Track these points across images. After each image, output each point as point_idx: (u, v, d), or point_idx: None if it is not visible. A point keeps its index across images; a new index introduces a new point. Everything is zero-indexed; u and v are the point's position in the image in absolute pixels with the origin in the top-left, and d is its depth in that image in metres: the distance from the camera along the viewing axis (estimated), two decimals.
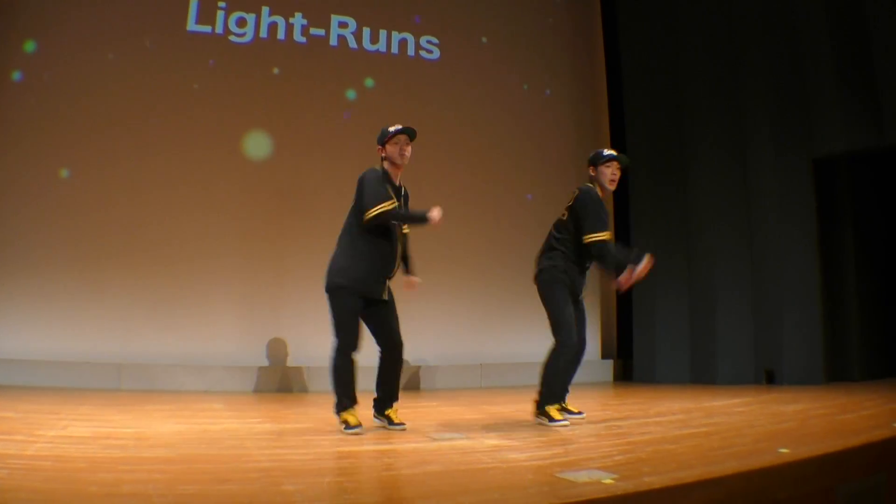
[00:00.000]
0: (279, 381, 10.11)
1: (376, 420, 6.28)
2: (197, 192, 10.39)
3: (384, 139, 6.41)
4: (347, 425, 5.80)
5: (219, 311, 10.22)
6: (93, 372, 9.45)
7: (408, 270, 6.71)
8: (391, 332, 6.24)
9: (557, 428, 6.11)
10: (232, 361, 10.04)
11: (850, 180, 11.33)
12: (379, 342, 6.31)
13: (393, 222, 6.18)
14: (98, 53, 10.27)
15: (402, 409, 6.45)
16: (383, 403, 6.30)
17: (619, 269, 6.67)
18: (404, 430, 6.01)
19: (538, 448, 4.89)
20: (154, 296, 9.98)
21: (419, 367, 10.90)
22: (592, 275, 7.24)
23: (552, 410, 6.38)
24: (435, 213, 6.07)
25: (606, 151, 6.88)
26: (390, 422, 6.17)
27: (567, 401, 6.80)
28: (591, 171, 6.94)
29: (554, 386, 6.53)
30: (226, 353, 10.11)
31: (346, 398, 6.00)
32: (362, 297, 6.04)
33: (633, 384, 11.66)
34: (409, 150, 6.44)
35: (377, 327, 6.25)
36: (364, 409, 6.08)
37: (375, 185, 6.16)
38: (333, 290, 6.04)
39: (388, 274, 6.28)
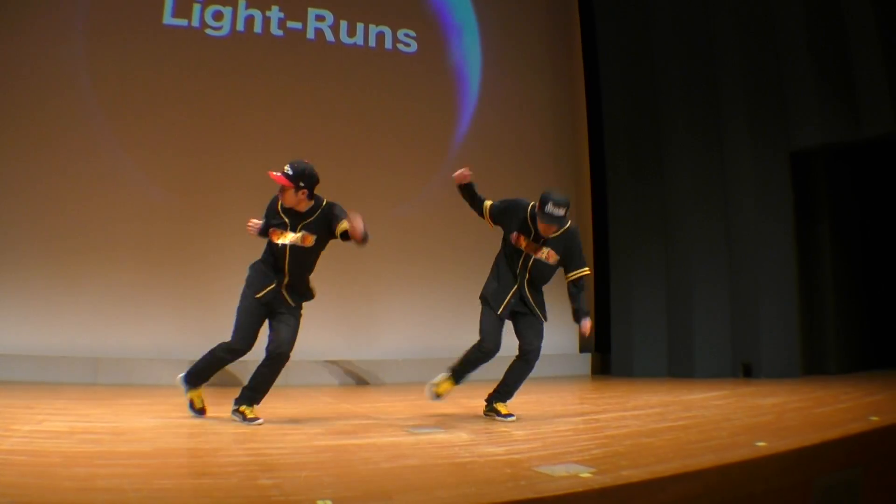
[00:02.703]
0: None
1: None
2: (173, 187, 10.34)
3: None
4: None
5: (196, 306, 10.19)
6: (69, 366, 9.40)
7: None
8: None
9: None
10: None
11: (827, 174, 11.37)
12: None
13: None
14: (73, 47, 10.20)
15: (378, 402, 6.45)
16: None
17: None
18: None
19: (516, 442, 4.89)
20: (130, 290, 9.94)
21: (397, 360, 10.89)
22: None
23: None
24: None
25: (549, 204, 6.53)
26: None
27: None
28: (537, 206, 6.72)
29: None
30: (203, 347, 10.04)
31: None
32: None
33: (610, 378, 11.67)
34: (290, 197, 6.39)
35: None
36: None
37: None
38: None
39: None
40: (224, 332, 10.21)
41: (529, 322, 6.67)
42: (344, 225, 6.17)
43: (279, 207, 6.37)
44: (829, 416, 5.92)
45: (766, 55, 10.97)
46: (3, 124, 9.78)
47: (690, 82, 11.63)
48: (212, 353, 6.43)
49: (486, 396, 6.71)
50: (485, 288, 6.84)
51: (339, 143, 11.02)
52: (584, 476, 3.53)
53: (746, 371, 10.84)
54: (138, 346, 9.82)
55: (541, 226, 6.48)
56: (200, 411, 6.32)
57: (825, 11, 10.33)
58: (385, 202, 11.25)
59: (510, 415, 6.41)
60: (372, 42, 11.92)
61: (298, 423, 6.03)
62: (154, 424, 5.70)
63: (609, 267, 12.35)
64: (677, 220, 11.55)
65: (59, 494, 3.17)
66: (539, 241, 6.58)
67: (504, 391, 6.64)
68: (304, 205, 6.33)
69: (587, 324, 6.62)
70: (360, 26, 11.85)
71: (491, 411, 6.53)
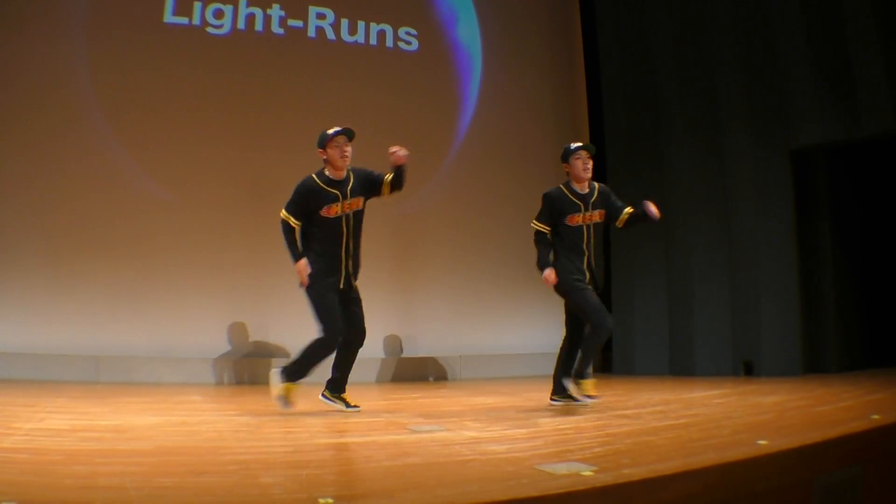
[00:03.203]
0: (258, 374, 10.07)
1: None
2: (174, 185, 10.34)
3: (324, 142, 6.80)
4: None
5: (197, 304, 10.19)
6: (70, 364, 9.41)
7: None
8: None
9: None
10: (210, 353, 10.02)
11: (828, 172, 11.34)
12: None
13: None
14: (73, 45, 10.19)
15: (381, 401, 6.47)
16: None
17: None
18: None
19: (517, 440, 4.89)
20: (132, 288, 9.94)
21: (398, 358, 10.90)
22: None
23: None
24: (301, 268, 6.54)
25: (573, 144, 7.21)
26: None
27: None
28: (564, 167, 7.29)
29: None
30: (204, 345, 10.08)
31: None
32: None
33: (612, 376, 11.68)
34: (349, 150, 6.82)
35: None
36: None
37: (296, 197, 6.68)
38: None
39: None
40: (221, 330, 10.27)
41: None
42: (388, 175, 6.93)
43: (324, 185, 6.61)
44: (831, 414, 5.91)
45: (765, 54, 10.95)
46: (4, 122, 9.77)
47: (690, 81, 11.62)
48: (311, 349, 6.53)
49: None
50: (562, 276, 7.09)
51: None
52: (586, 474, 3.53)
53: (747, 369, 10.83)
54: (139, 343, 9.82)
55: (579, 164, 7.18)
56: (290, 405, 6.44)
57: (824, 9, 10.31)
58: (385, 201, 11.23)
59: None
60: (373, 40, 11.90)
61: (300, 420, 6.02)
62: (155, 422, 5.69)
63: (610, 265, 12.34)
64: (678, 218, 11.53)
65: (60, 492, 3.16)
66: (587, 207, 7.21)
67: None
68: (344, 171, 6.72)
69: (649, 206, 7.41)
70: (361, 24, 11.83)
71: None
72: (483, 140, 12.23)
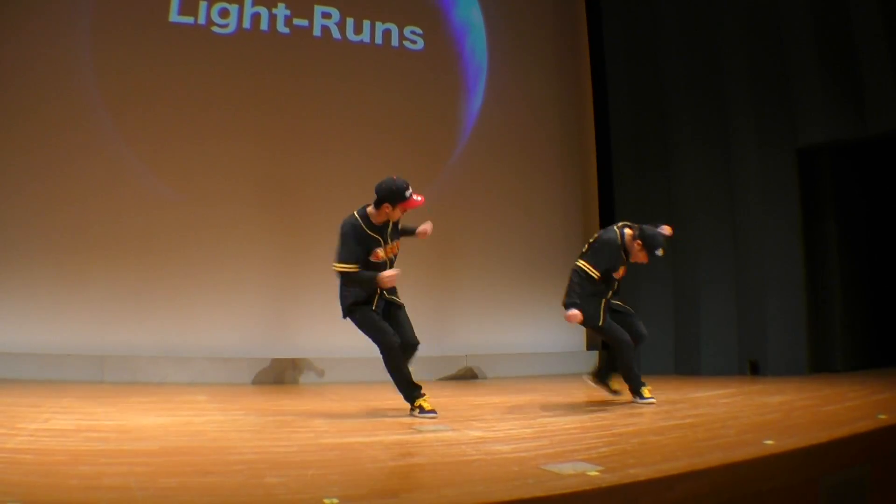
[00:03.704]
0: (264, 373, 10.08)
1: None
2: (178, 184, 10.34)
3: (395, 199, 6.52)
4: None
5: (203, 303, 10.19)
6: (75, 364, 9.41)
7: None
8: None
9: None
10: (216, 353, 10.01)
11: (834, 171, 11.33)
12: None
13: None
14: (79, 44, 10.20)
15: (385, 400, 6.48)
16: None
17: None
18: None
19: (523, 440, 4.88)
20: (137, 287, 9.94)
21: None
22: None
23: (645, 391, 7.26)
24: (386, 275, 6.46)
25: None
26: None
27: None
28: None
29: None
30: (210, 345, 10.08)
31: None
32: None
33: (618, 375, 11.65)
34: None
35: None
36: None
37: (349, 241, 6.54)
38: None
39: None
40: (226, 329, 10.25)
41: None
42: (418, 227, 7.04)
43: (368, 230, 6.53)
44: (837, 414, 5.90)
45: (771, 53, 10.94)
46: (9, 121, 9.77)
47: (696, 80, 11.60)
48: (394, 366, 6.51)
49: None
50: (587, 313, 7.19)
51: (344, 140, 11.02)
52: (592, 474, 3.52)
53: (753, 369, 10.82)
54: (144, 343, 9.82)
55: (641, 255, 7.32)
56: (432, 411, 6.35)
57: (831, 8, 10.30)
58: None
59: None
60: (378, 39, 11.90)
61: (305, 420, 6.01)
62: (160, 422, 5.69)
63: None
64: (684, 217, 11.51)
65: (65, 493, 3.16)
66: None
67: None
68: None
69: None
70: (366, 23, 11.83)
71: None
72: (488, 139, 12.23)
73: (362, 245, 6.44)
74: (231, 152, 10.60)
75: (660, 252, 7.13)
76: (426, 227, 6.97)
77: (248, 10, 11.06)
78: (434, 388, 9.01)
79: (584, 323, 7.18)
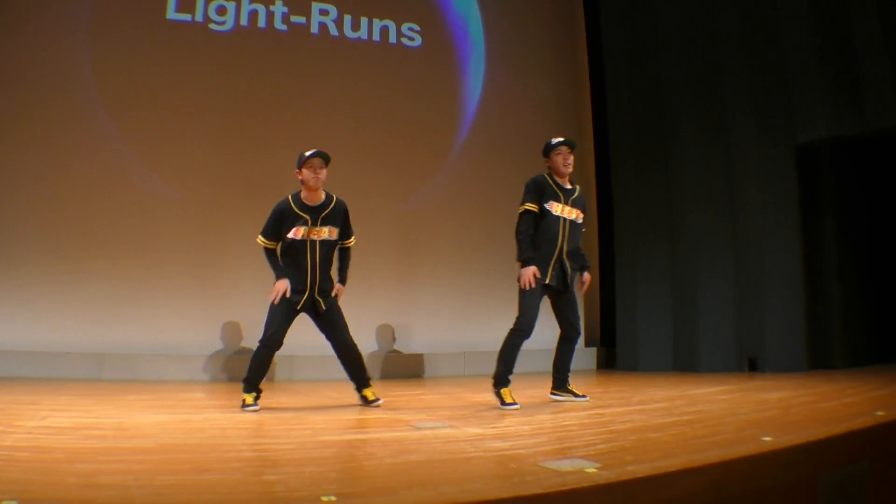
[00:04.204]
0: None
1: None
2: (177, 182, 10.34)
3: (301, 163, 6.81)
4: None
5: (201, 301, 10.20)
6: (74, 362, 9.42)
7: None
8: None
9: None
10: (214, 350, 10.01)
11: (833, 168, 11.34)
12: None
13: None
14: (76, 42, 10.19)
15: (384, 398, 6.51)
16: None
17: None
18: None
19: (521, 437, 4.88)
20: (136, 285, 9.95)
21: (402, 355, 10.90)
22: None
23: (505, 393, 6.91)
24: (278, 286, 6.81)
25: (555, 139, 7.23)
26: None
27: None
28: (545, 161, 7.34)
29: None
30: (208, 343, 10.08)
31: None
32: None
33: (616, 372, 11.67)
34: (322, 174, 6.80)
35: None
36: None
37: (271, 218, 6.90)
38: None
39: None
40: (225, 327, 10.27)
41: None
42: (350, 242, 7.10)
43: (294, 207, 6.73)
44: (836, 410, 5.90)
45: (770, 49, 10.93)
46: (7, 121, 9.78)
47: (695, 76, 11.60)
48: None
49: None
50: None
51: (342, 137, 11.01)
52: (590, 471, 3.52)
53: (752, 365, 10.82)
54: (143, 341, 9.82)
55: (560, 159, 7.22)
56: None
57: (829, 4, 10.29)
58: (389, 198, 11.26)
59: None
60: (376, 36, 11.91)
61: (303, 418, 6.01)
62: (158, 420, 5.69)
63: (614, 261, 12.37)
64: (683, 214, 11.53)
65: (63, 491, 3.16)
66: (568, 201, 7.14)
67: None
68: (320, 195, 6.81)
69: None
70: (363, 20, 11.84)
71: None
72: (487, 136, 12.23)
73: (281, 221, 6.84)
74: (229, 150, 10.61)
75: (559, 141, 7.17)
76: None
77: (246, 7, 11.06)
78: (431, 384, 9.02)
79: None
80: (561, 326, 7.28)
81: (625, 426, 5.35)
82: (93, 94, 10.15)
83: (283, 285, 6.70)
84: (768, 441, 4.30)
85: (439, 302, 11.38)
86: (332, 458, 4.31)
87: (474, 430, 5.14)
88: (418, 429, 5.30)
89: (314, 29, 11.50)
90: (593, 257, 13.10)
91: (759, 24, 11.02)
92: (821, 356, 10.88)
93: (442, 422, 5.65)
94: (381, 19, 11.96)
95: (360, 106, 11.38)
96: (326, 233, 6.78)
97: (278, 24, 11.25)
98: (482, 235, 11.85)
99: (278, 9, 11.26)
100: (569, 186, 7.25)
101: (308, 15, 11.48)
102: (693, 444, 4.41)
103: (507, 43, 12.81)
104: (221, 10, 10.91)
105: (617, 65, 12.72)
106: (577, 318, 7.29)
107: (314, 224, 6.71)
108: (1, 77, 9.84)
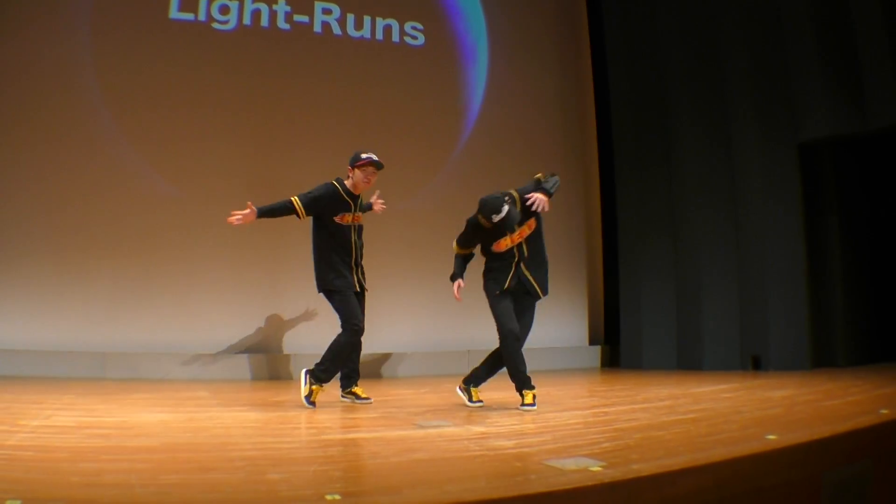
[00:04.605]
0: (266, 369, 10.09)
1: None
2: (179, 181, 10.33)
3: (355, 163, 7.18)
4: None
5: (204, 299, 10.19)
6: (77, 361, 9.42)
7: None
8: None
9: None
10: (218, 349, 10.02)
11: (835, 166, 11.33)
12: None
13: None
14: (79, 42, 10.19)
15: (389, 397, 6.51)
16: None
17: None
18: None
19: (525, 435, 4.88)
20: (139, 284, 9.94)
21: (406, 353, 10.90)
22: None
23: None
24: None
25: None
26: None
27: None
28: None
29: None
30: (211, 341, 10.08)
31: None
32: None
33: (620, 370, 11.67)
34: (373, 180, 7.29)
35: None
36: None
37: None
38: None
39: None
40: (228, 326, 10.27)
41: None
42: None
43: (344, 194, 7.17)
44: (839, 408, 5.90)
45: (772, 47, 10.92)
46: (10, 120, 9.77)
47: (697, 75, 11.59)
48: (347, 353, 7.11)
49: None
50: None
51: (345, 136, 11.00)
52: (594, 470, 3.52)
53: (755, 363, 10.81)
54: (146, 340, 9.83)
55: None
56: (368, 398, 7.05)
57: (831, 2, 10.29)
58: (392, 196, 11.21)
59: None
60: (379, 35, 11.89)
61: (307, 416, 6.01)
62: (162, 419, 5.69)
63: (618, 260, 12.36)
64: (685, 212, 11.53)
65: (66, 490, 3.16)
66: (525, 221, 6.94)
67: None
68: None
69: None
70: (367, 19, 11.82)
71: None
72: (490, 135, 12.22)
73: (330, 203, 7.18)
74: (231, 149, 10.60)
75: (496, 218, 6.77)
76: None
77: (249, 6, 11.05)
78: (435, 383, 9.02)
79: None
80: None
81: (629, 425, 5.35)
82: (95, 93, 10.15)
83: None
84: (772, 439, 4.30)
85: (442, 300, 11.37)
86: (336, 456, 4.31)
87: (478, 429, 5.14)
88: (422, 427, 5.30)
89: (317, 28, 11.49)
90: (597, 256, 13.10)
91: (761, 22, 11.01)
92: (824, 354, 10.87)
93: (446, 420, 5.66)
94: (384, 18, 11.95)
95: (363, 105, 11.38)
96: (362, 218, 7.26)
97: (281, 24, 11.24)
98: None
99: (281, 8, 11.25)
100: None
101: (311, 14, 11.46)
102: (697, 442, 4.41)
103: (510, 42, 12.80)
104: (224, 10, 10.90)
105: (619, 64, 12.71)
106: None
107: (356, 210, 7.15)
108: (3, 76, 9.85)
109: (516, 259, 6.84)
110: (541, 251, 6.94)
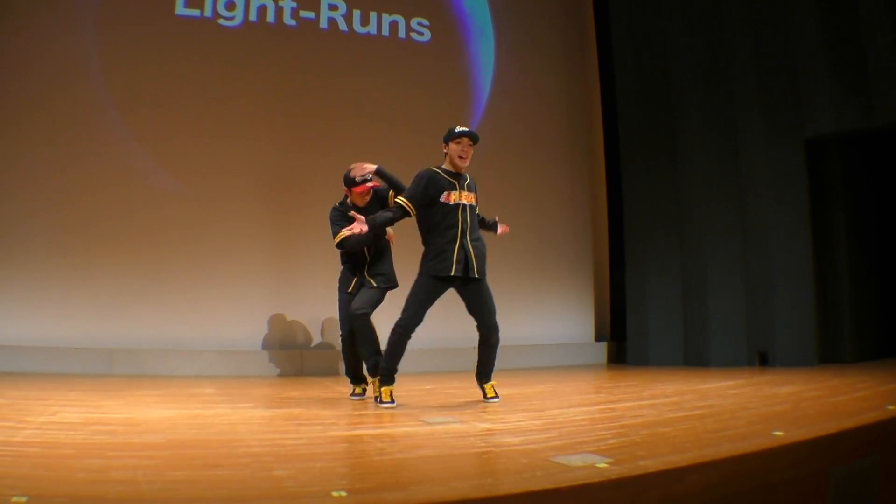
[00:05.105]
0: (272, 366, 10.09)
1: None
2: (185, 178, 10.35)
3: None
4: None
5: (211, 295, 10.20)
6: (83, 357, 9.43)
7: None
8: None
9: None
10: (224, 345, 10.02)
11: (842, 161, 11.32)
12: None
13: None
14: (85, 38, 10.20)
15: (395, 393, 6.52)
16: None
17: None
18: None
19: (532, 432, 4.86)
20: (145, 280, 9.96)
21: (412, 350, 10.89)
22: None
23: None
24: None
25: (458, 128, 7.08)
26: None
27: None
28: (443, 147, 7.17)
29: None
30: (218, 338, 10.08)
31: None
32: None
33: (626, 366, 11.66)
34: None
35: None
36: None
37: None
38: None
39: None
40: (234, 322, 10.27)
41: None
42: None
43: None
44: (846, 404, 5.88)
45: (778, 42, 10.91)
46: (16, 117, 9.79)
47: (703, 71, 11.57)
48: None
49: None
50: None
51: (351, 132, 11.01)
52: (601, 466, 3.51)
53: (762, 359, 10.81)
54: (153, 336, 9.84)
55: (458, 149, 7.05)
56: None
57: None
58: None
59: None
60: (385, 31, 11.90)
61: (313, 413, 6.00)
62: (168, 415, 5.69)
63: (624, 256, 12.35)
64: (692, 208, 11.52)
65: (72, 486, 3.15)
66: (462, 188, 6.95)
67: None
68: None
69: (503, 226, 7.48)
70: (373, 15, 11.83)
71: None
72: (496, 131, 12.21)
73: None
74: (237, 145, 10.61)
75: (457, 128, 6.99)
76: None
77: (255, 2, 11.06)
78: (442, 379, 9.02)
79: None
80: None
81: (635, 421, 5.33)
82: (101, 89, 10.16)
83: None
84: (779, 435, 4.29)
85: (449, 296, 11.36)
86: (342, 453, 4.31)
87: (485, 426, 5.13)
88: (429, 424, 5.29)
89: (323, 24, 11.49)
90: (603, 252, 13.08)
91: (768, 18, 11.00)
92: (831, 350, 10.87)
93: (452, 417, 5.65)
94: (390, 14, 11.95)
95: (370, 101, 11.37)
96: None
97: (287, 20, 11.24)
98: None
99: (287, 4, 11.25)
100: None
101: (317, 10, 11.47)
102: (704, 438, 4.39)
103: (516, 37, 12.79)
104: (230, 6, 10.90)
105: (625, 59, 12.70)
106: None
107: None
108: (9, 72, 9.86)
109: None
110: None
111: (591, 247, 12.93)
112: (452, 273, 6.76)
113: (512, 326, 11.64)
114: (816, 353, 10.52)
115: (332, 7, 11.56)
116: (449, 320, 11.20)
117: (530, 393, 7.17)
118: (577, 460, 3.67)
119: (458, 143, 6.92)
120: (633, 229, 12.22)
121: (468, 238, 6.84)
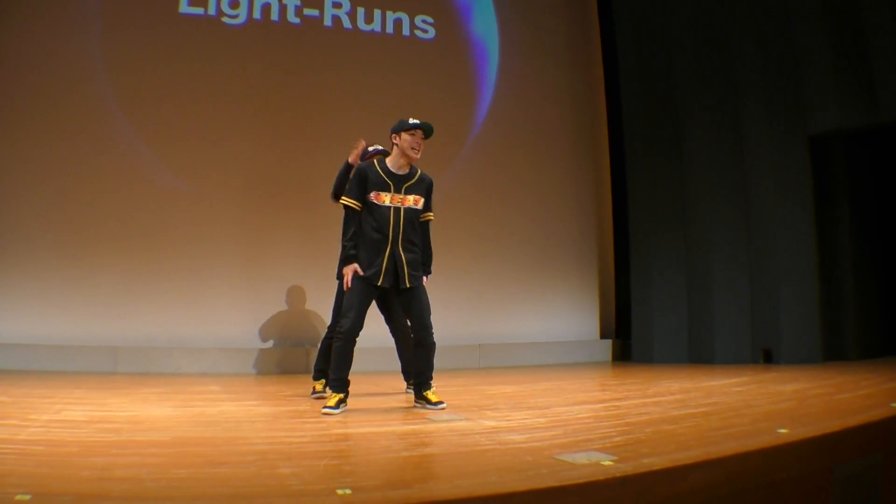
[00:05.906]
0: (277, 363, 10.09)
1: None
2: (189, 176, 10.35)
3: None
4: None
5: (215, 293, 10.21)
6: (88, 355, 9.43)
7: None
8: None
9: None
10: (229, 343, 10.02)
11: (846, 158, 11.32)
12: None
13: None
14: (89, 37, 10.20)
15: (399, 391, 6.52)
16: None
17: None
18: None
19: (536, 430, 4.86)
20: (150, 279, 9.97)
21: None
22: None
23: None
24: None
25: (412, 119, 6.35)
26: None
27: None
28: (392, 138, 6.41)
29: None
30: (223, 335, 10.08)
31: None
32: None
33: (631, 364, 11.65)
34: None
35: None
36: None
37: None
38: None
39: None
40: (239, 320, 10.28)
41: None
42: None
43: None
44: (850, 402, 5.88)
45: (783, 39, 10.90)
46: (21, 116, 9.80)
47: (708, 67, 11.56)
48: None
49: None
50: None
51: (356, 130, 11.00)
52: (606, 464, 3.51)
53: (767, 357, 10.80)
54: (158, 334, 9.85)
55: (411, 140, 6.28)
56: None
57: None
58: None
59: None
60: (389, 28, 11.89)
61: (317, 410, 6.00)
62: (172, 413, 5.69)
63: (629, 253, 12.34)
64: (696, 205, 11.51)
65: (76, 484, 3.15)
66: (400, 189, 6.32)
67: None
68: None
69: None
70: (377, 13, 11.82)
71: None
72: (501, 128, 12.22)
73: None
74: (240, 143, 10.61)
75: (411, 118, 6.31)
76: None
77: (259, 0, 11.05)
78: (446, 377, 9.01)
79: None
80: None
81: (640, 418, 5.33)
82: (105, 88, 10.16)
83: None
84: (783, 433, 4.29)
85: (454, 294, 11.37)
86: (347, 450, 4.30)
87: (490, 423, 5.13)
88: (434, 421, 5.30)
89: (327, 22, 11.49)
90: (608, 250, 13.08)
91: (772, 15, 10.99)
92: (835, 347, 10.87)
93: (457, 414, 5.65)
94: (394, 12, 11.95)
95: (374, 99, 11.36)
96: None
97: (291, 18, 11.23)
98: (497, 226, 11.85)
99: (291, 2, 11.25)
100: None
101: (321, 8, 11.46)
102: (708, 436, 4.39)
103: (520, 34, 12.79)
104: (234, 4, 10.90)
105: (630, 56, 12.68)
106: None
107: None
108: (14, 73, 9.87)
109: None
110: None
111: (596, 244, 12.92)
112: (380, 284, 6.13)
113: (518, 324, 11.67)
114: (821, 350, 10.51)
115: (336, 4, 11.56)
116: (454, 318, 11.23)
117: (535, 390, 7.16)
118: (582, 458, 3.67)
119: (413, 134, 6.21)
120: (637, 226, 12.21)
121: (399, 246, 6.24)
